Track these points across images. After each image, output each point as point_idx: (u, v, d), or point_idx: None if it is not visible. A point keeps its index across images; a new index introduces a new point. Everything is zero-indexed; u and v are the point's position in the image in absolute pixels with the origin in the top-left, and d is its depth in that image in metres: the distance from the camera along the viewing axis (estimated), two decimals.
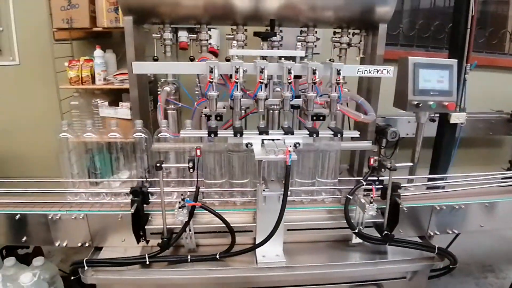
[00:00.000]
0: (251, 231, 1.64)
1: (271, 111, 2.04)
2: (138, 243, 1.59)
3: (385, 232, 1.61)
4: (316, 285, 1.67)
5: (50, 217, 1.62)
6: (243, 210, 1.72)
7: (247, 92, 1.66)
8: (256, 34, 1.93)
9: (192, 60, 2.15)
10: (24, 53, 3.21)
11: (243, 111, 1.93)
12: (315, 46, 2.16)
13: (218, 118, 1.61)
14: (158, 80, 2.41)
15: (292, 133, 1.56)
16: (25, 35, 3.17)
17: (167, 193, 1.66)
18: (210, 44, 2.13)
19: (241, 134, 1.52)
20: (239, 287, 1.63)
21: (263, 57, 1.80)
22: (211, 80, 1.48)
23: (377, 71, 1.63)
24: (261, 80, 1.49)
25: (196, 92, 2.17)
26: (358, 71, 1.63)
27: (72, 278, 1.60)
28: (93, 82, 2.81)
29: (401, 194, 1.63)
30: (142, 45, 2.11)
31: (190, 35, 2.16)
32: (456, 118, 2.51)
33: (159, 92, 2.16)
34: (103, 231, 1.66)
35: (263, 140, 1.52)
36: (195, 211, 1.54)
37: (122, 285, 1.60)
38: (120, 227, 1.64)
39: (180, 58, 2.79)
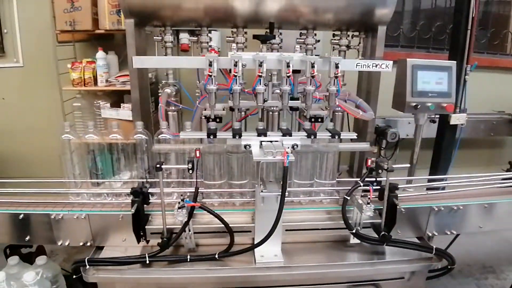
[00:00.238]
0: (250, 231, 1.66)
1: (271, 113, 2.06)
2: (138, 242, 1.61)
3: (383, 232, 1.62)
4: (314, 285, 1.68)
5: (52, 216, 1.64)
6: (241, 211, 1.74)
7: (246, 91, 1.68)
8: (255, 37, 1.95)
9: None
10: (27, 55, 3.25)
11: (242, 113, 1.96)
12: (315, 48, 2.18)
13: (218, 120, 1.63)
14: (160, 82, 2.44)
15: (290, 135, 1.58)
16: (28, 37, 3.21)
17: (167, 194, 1.68)
18: (210, 46, 2.15)
19: (240, 136, 1.54)
20: (237, 286, 1.64)
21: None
22: (210, 74, 1.49)
23: (376, 66, 1.63)
24: (260, 74, 1.50)
25: (197, 94, 2.20)
26: (356, 65, 1.63)
27: (74, 277, 1.62)
28: (95, 83, 2.84)
29: (399, 195, 1.64)
30: (143, 47, 2.13)
31: (191, 37, 2.18)
32: (456, 119, 2.52)
33: (160, 94, 2.18)
34: (104, 230, 1.68)
35: (261, 141, 1.53)
36: (194, 212, 1.56)
37: (123, 284, 1.62)
38: (121, 227, 1.66)
39: None
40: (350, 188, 1.67)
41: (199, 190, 1.58)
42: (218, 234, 1.64)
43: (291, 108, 1.88)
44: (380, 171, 1.60)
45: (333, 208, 1.78)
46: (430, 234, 1.85)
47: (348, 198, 1.63)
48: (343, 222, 1.64)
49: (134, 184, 1.75)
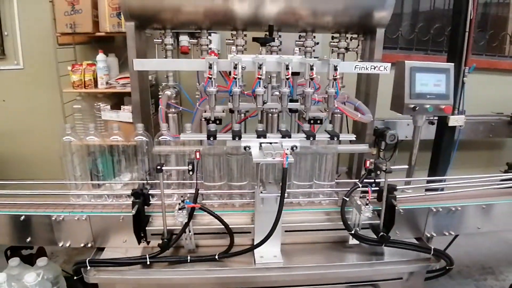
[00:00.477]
0: (249, 232, 1.67)
1: (270, 115, 2.08)
2: (139, 243, 1.62)
3: (381, 233, 1.64)
4: (313, 285, 1.70)
5: (53, 218, 1.65)
6: (241, 212, 1.75)
7: (246, 93, 1.70)
8: (255, 39, 1.96)
9: None
10: (28, 57, 3.27)
11: (242, 115, 1.97)
12: (314, 50, 2.19)
13: (218, 122, 1.64)
14: (160, 84, 2.45)
15: (290, 136, 1.59)
16: (29, 39, 3.22)
17: (167, 195, 1.70)
18: (210, 48, 2.17)
19: (240, 138, 1.55)
20: (237, 287, 1.65)
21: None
22: (210, 76, 1.51)
23: (374, 68, 1.65)
24: (260, 76, 1.52)
25: (197, 96, 2.21)
26: (355, 67, 1.65)
27: (75, 278, 1.63)
28: (96, 85, 2.85)
29: (397, 196, 1.66)
30: (143, 50, 2.15)
31: (191, 40, 2.19)
32: (455, 121, 2.54)
33: (160, 96, 2.19)
34: (105, 232, 1.69)
35: (261, 143, 1.54)
36: (194, 213, 1.57)
37: (124, 284, 1.63)
38: (121, 228, 1.68)
39: None
40: (349, 189, 1.68)
41: (199, 192, 1.59)
42: (218, 235, 1.65)
43: (290, 110, 1.90)
44: (378, 172, 1.61)
45: (332, 209, 1.79)
46: (429, 235, 1.86)
47: (347, 199, 1.64)
48: (342, 223, 1.65)
49: (135, 186, 1.77)
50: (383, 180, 1.62)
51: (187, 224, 1.54)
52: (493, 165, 3.85)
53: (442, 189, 2.04)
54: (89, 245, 1.71)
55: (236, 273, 1.60)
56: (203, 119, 1.83)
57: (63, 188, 1.83)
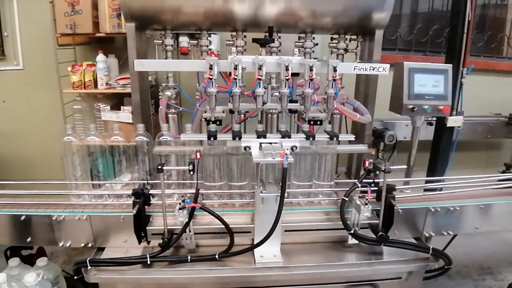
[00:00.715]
0: (249, 232, 1.68)
1: (269, 115, 2.09)
2: (139, 243, 1.63)
3: (380, 233, 1.64)
4: (313, 285, 1.70)
5: (54, 218, 1.66)
6: (241, 212, 1.76)
7: (246, 93, 1.71)
8: (254, 40, 1.97)
9: None
10: (28, 58, 3.27)
11: (242, 115, 1.98)
12: (313, 51, 2.21)
13: (218, 123, 1.65)
14: (160, 85, 2.46)
15: (289, 137, 1.60)
16: (29, 40, 3.23)
17: (167, 195, 1.70)
18: (210, 49, 2.18)
19: (240, 138, 1.56)
20: (237, 286, 1.66)
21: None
22: (211, 77, 1.52)
23: (373, 69, 1.66)
24: (259, 77, 1.53)
25: (197, 97, 2.22)
26: (354, 68, 1.67)
27: (75, 277, 1.63)
28: (96, 86, 2.86)
29: (396, 196, 1.67)
30: (143, 51, 2.16)
31: (191, 41, 2.21)
32: (453, 121, 2.55)
33: (160, 97, 2.20)
34: (105, 232, 1.70)
35: (261, 143, 1.55)
36: (195, 213, 1.58)
37: (124, 284, 1.64)
38: (122, 228, 1.68)
39: None
40: (348, 189, 1.69)
41: (199, 192, 1.60)
42: (218, 235, 1.66)
43: (290, 111, 1.91)
44: (377, 172, 1.62)
45: (332, 209, 1.80)
46: (427, 235, 1.87)
47: (347, 199, 1.65)
48: (341, 223, 1.65)
49: (135, 186, 1.77)
50: (382, 180, 1.63)
51: (187, 224, 1.55)
52: (491, 165, 3.87)
53: (440, 189, 2.05)
54: (90, 245, 1.71)
55: (236, 273, 1.61)
56: (203, 120, 1.84)
57: (64, 188, 1.83)
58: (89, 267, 1.58)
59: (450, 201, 1.87)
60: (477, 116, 3.34)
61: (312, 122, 1.76)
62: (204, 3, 1.96)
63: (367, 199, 1.61)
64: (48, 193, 1.79)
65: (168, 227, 1.59)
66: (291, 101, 1.71)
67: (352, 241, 1.74)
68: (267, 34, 2.12)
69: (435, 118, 2.71)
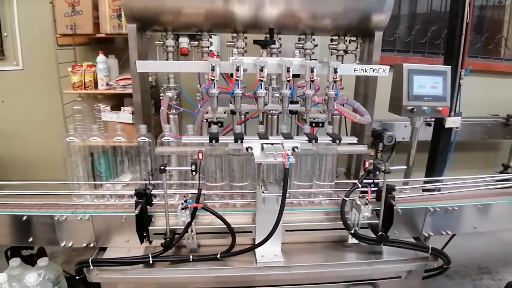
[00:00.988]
0: (251, 231, 1.69)
1: (270, 116, 2.10)
2: (141, 243, 1.64)
3: (380, 232, 1.66)
4: (313, 284, 1.72)
5: (56, 218, 1.66)
6: (242, 212, 1.77)
7: (247, 95, 1.72)
8: (256, 42, 1.99)
9: None
10: (28, 58, 3.27)
11: (242, 116, 1.99)
12: (313, 53, 2.22)
13: (219, 125, 1.67)
14: (160, 86, 2.47)
15: (291, 139, 1.62)
16: (29, 40, 3.23)
17: (169, 195, 1.71)
18: (211, 50, 2.19)
19: (242, 140, 1.57)
20: (239, 285, 1.67)
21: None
22: (213, 78, 1.53)
23: (373, 70, 1.68)
24: (261, 78, 1.54)
25: (197, 98, 2.23)
26: (354, 70, 1.69)
27: (77, 277, 1.64)
28: (96, 87, 2.86)
29: (395, 196, 1.68)
30: (144, 51, 2.17)
31: (192, 42, 2.22)
32: (451, 122, 2.57)
33: (161, 98, 2.21)
34: (107, 232, 1.71)
35: (262, 144, 1.56)
36: (196, 213, 1.59)
37: (126, 284, 1.64)
38: (124, 228, 1.69)
39: None
40: (348, 189, 1.70)
41: (201, 192, 1.61)
42: (219, 235, 1.67)
43: (291, 112, 1.93)
44: (377, 173, 1.63)
45: (332, 209, 1.81)
46: (426, 235, 1.89)
47: (347, 199, 1.66)
48: (341, 222, 1.67)
49: (136, 186, 1.78)
50: (382, 180, 1.65)
51: (189, 224, 1.56)
52: (489, 166, 3.90)
53: (439, 190, 2.07)
54: (92, 245, 1.72)
55: (237, 272, 1.62)
56: (205, 120, 1.86)
57: (65, 189, 1.84)
58: (91, 267, 1.58)
59: (449, 201, 1.89)
60: (475, 117, 3.37)
61: (314, 125, 1.77)
62: (204, 5, 1.98)
63: (367, 199, 1.62)
64: (50, 194, 1.79)
65: (170, 227, 1.60)
66: (291, 102, 1.72)
67: (352, 240, 1.75)
68: (267, 36, 2.13)
69: (433, 119, 2.73)
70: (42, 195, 1.77)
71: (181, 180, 1.90)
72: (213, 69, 1.51)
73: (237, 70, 1.52)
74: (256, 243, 1.61)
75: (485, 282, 3.03)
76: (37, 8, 3.02)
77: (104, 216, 1.69)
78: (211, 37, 2.19)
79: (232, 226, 1.59)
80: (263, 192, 1.56)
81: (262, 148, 1.55)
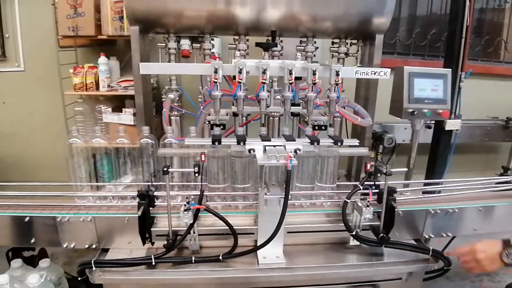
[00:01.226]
0: (253, 233, 1.69)
1: (271, 118, 2.11)
2: (143, 244, 1.64)
3: (381, 234, 1.67)
4: (315, 285, 1.72)
5: (58, 219, 1.66)
6: (244, 214, 1.77)
7: (249, 97, 1.73)
8: (258, 44, 1.99)
9: None
10: (29, 59, 3.29)
11: (244, 118, 2.00)
12: (314, 55, 2.24)
13: (222, 127, 1.67)
14: (162, 88, 2.48)
15: (294, 141, 1.62)
16: (30, 42, 3.24)
17: (172, 197, 1.72)
18: (213, 52, 2.20)
19: (244, 142, 1.57)
20: (241, 287, 1.68)
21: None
22: (216, 80, 1.54)
23: (375, 73, 1.69)
24: (264, 81, 1.55)
25: (199, 100, 2.24)
26: (356, 73, 1.69)
27: (79, 278, 1.64)
28: (97, 88, 2.87)
29: (396, 198, 1.69)
30: (147, 53, 2.18)
31: (194, 44, 2.23)
32: (451, 125, 2.59)
33: (163, 99, 2.22)
34: (109, 233, 1.71)
35: (265, 146, 1.57)
36: (199, 214, 1.60)
37: (128, 285, 1.65)
38: (126, 229, 1.69)
39: None
40: (349, 191, 1.71)
41: (203, 193, 1.61)
42: (221, 236, 1.67)
43: (292, 114, 1.94)
44: (378, 175, 1.64)
45: (333, 211, 1.82)
46: (427, 237, 1.89)
47: (348, 201, 1.67)
48: (342, 224, 1.67)
49: (139, 187, 1.78)
50: (383, 182, 1.66)
51: (192, 225, 1.56)
52: (489, 168, 3.92)
53: (439, 192, 2.08)
54: (94, 246, 1.72)
55: (239, 273, 1.62)
56: (207, 122, 1.86)
57: (67, 190, 1.84)
58: (93, 268, 1.58)
59: (449, 203, 1.89)
60: (475, 119, 3.38)
61: (317, 128, 1.78)
62: (206, 7, 1.99)
63: (368, 201, 1.63)
64: (52, 195, 1.80)
65: (172, 229, 1.61)
66: (293, 104, 1.73)
67: (353, 242, 1.76)
68: (269, 38, 2.14)
69: (433, 122, 2.75)
70: (45, 196, 1.78)
71: (183, 182, 1.91)
72: (216, 72, 1.52)
73: (240, 72, 1.53)
74: (258, 244, 1.61)
75: (485, 284, 3.04)
76: (39, 10, 3.03)
77: (107, 217, 1.69)
78: (213, 39, 2.20)
79: (234, 227, 1.60)
80: (265, 194, 1.56)
81: (265, 150, 1.56)
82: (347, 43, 2.26)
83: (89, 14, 2.70)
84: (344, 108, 2.02)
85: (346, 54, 2.28)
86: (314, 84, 1.60)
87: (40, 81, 3.26)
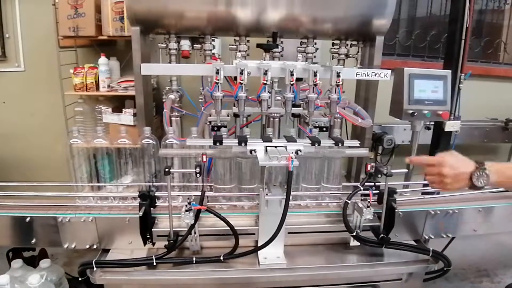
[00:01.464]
0: (253, 234, 1.69)
1: (271, 119, 2.11)
2: (144, 245, 1.64)
3: (382, 235, 1.67)
4: (316, 286, 1.73)
5: (59, 219, 1.67)
6: (245, 214, 1.77)
7: (251, 98, 1.73)
8: (259, 45, 2.00)
9: None
10: (29, 59, 3.28)
11: (244, 119, 2.01)
12: (315, 56, 2.24)
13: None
14: (162, 88, 2.49)
15: (295, 142, 1.63)
16: (31, 42, 3.23)
17: (173, 197, 1.72)
18: (213, 53, 2.21)
19: (245, 143, 1.58)
20: (241, 287, 1.68)
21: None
22: (217, 81, 1.54)
23: (375, 74, 1.70)
24: (265, 82, 1.56)
25: (200, 100, 2.25)
26: (356, 74, 1.70)
27: (80, 279, 1.65)
28: (97, 89, 2.87)
29: (396, 199, 1.70)
30: (147, 54, 2.18)
31: (195, 45, 2.24)
32: (451, 126, 2.60)
33: (164, 100, 2.22)
34: (110, 233, 1.71)
35: (266, 147, 1.57)
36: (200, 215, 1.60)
37: (130, 285, 1.65)
38: (127, 230, 1.69)
39: None
40: (349, 192, 1.72)
41: (205, 194, 1.62)
42: (222, 237, 1.68)
43: (293, 115, 1.94)
44: (379, 176, 1.65)
45: (334, 211, 1.82)
46: (427, 237, 1.90)
47: (349, 201, 1.68)
48: (343, 225, 1.68)
49: (139, 188, 1.79)
50: (383, 183, 1.66)
51: (193, 226, 1.57)
52: None
53: (438, 193, 2.08)
54: (95, 246, 1.72)
55: (240, 274, 1.63)
56: (208, 123, 1.87)
57: (67, 190, 1.84)
58: (95, 269, 1.59)
59: (449, 204, 1.90)
60: (474, 120, 3.39)
61: (318, 129, 1.79)
62: (207, 8, 2.00)
63: (369, 202, 1.64)
64: (52, 195, 1.80)
65: (173, 229, 1.61)
66: (294, 105, 1.73)
67: (353, 243, 1.77)
68: (269, 39, 2.15)
69: (433, 123, 2.75)
70: (45, 196, 1.78)
71: (183, 182, 1.91)
72: (217, 73, 1.53)
73: (241, 73, 1.54)
74: (259, 245, 1.61)
75: (484, 285, 3.05)
76: (40, 10, 3.03)
77: (108, 217, 1.69)
78: (213, 40, 2.21)
79: (235, 228, 1.60)
80: (266, 194, 1.57)
81: (266, 151, 1.56)
82: (347, 45, 2.27)
83: (89, 15, 2.70)
84: (345, 109, 2.03)
85: (346, 55, 2.28)
86: (315, 85, 1.60)
87: (40, 81, 3.25)
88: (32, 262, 2.15)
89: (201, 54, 2.24)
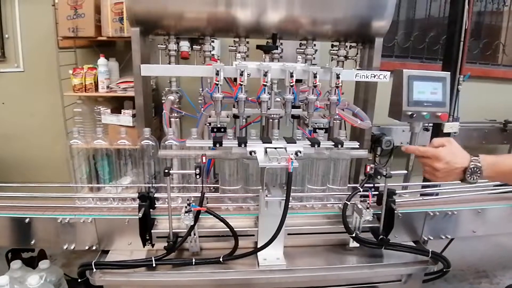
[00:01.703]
0: (253, 235, 1.69)
1: (271, 120, 2.12)
2: (144, 246, 1.64)
3: (381, 236, 1.67)
4: (315, 287, 1.72)
5: (59, 220, 1.66)
6: (245, 215, 1.77)
7: (250, 99, 1.74)
8: (259, 47, 2.01)
9: None
10: (29, 60, 3.29)
11: (244, 120, 2.01)
12: (314, 58, 2.25)
13: (222, 130, 1.68)
14: (162, 89, 2.49)
15: (295, 143, 1.63)
16: (30, 42, 3.24)
17: (172, 199, 1.72)
18: (213, 54, 2.21)
19: (245, 144, 1.58)
20: None
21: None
22: (217, 82, 1.55)
23: (374, 76, 1.70)
24: (265, 83, 1.56)
25: (199, 101, 2.25)
26: (356, 75, 1.70)
27: (79, 280, 1.64)
28: (96, 89, 2.88)
29: (396, 200, 1.70)
30: (147, 54, 2.18)
31: (194, 46, 2.24)
32: (449, 127, 2.61)
33: (163, 101, 2.22)
34: (110, 234, 1.70)
35: (266, 148, 1.58)
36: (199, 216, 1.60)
37: (129, 286, 1.64)
38: (126, 231, 1.69)
39: None
40: (349, 193, 1.72)
41: (204, 195, 1.62)
42: (221, 238, 1.67)
43: (292, 116, 1.95)
44: (378, 177, 1.65)
45: (333, 213, 1.82)
46: (426, 238, 1.90)
47: (349, 203, 1.68)
48: (342, 226, 1.68)
49: (139, 189, 1.78)
50: (382, 185, 1.66)
51: (192, 227, 1.57)
52: None
53: (437, 194, 2.09)
54: (94, 247, 1.71)
55: (240, 275, 1.62)
56: (207, 124, 1.87)
57: (66, 191, 1.84)
58: (94, 270, 1.58)
59: (448, 205, 1.90)
60: (473, 122, 3.40)
61: (317, 131, 1.79)
62: (207, 10, 2.00)
63: (368, 203, 1.64)
64: (52, 196, 1.80)
65: (173, 230, 1.61)
66: (293, 107, 1.74)
67: (353, 244, 1.77)
68: (269, 41, 2.15)
69: (431, 124, 2.76)
70: (45, 197, 1.78)
71: (183, 183, 1.91)
72: (217, 74, 1.53)
73: (241, 74, 1.54)
74: (259, 246, 1.61)
75: (483, 286, 3.06)
76: (39, 11, 3.04)
77: (107, 218, 1.69)
78: (213, 41, 2.21)
79: (234, 229, 1.60)
80: (266, 195, 1.57)
81: (266, 152, 1.56)
82: (346, 46, 2.28)
83: (89, 15, 2.71)
84: (344, 111, 2.03)
85: (346, 57, 2.29)
86: (315, 86, 1.61)
87: (39, 82, 3.26)
88: (31, 263, 2.14)
89: (200, 55, 2.24)
